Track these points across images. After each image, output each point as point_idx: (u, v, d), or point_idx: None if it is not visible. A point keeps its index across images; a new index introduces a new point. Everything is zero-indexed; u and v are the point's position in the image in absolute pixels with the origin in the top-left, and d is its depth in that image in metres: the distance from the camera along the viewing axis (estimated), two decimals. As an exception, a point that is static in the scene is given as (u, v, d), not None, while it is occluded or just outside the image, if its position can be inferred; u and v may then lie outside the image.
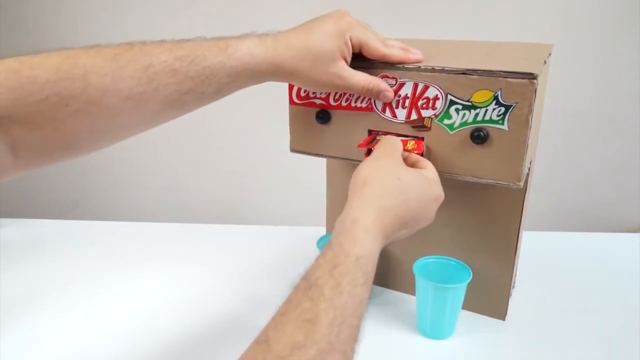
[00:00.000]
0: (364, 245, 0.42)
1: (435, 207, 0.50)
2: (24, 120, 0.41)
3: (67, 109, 0.42)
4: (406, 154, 0.54)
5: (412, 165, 0.53)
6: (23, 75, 0.41)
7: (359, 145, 0.58)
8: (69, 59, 0.43)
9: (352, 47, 0.53)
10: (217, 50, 0.48)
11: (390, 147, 0.52)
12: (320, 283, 0.38)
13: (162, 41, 0.47)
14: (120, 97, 0.44)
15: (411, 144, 0.56)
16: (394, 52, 0.55)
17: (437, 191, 0.50)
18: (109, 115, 0.45)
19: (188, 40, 0.48)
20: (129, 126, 0.48)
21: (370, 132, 0.59)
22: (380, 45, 0.54)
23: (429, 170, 0.51)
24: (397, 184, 0.46)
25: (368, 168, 0.48)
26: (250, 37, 0.50)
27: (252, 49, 0.49)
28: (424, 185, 0.49)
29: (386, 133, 0.58)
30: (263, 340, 0.36)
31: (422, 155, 0.56)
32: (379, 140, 0.57)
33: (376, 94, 0.56)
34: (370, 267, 0.42)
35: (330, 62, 0.51)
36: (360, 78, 0.54)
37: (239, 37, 0.50)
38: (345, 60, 0.53)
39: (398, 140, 0.54)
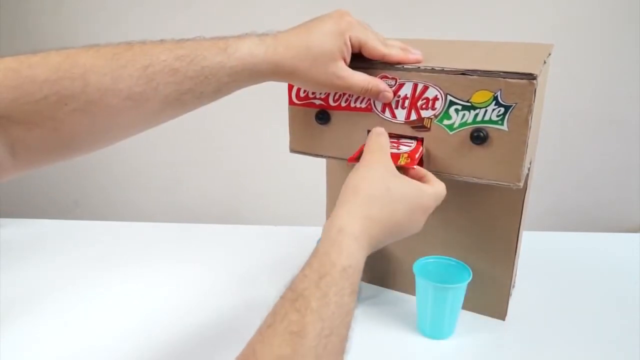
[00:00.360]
0: (350, 255, 0.41)
1: (423, 218, 0.49)
2: (23, 119, 0.41)
3: (66, 109, 0.42)
4: (419, 169, 0.53)
5: (418, 179, 0.52)
6: (22, 74, 0.41)
7: (350, 160, 0.57)
8: (68, 58, 0.43)
9: (352, 47, 0.53)
10: (216, 50, 0.48)
11: (379, 152, 0.51)
12: (307, 294, 0.38)
13: (162, 41, 0.47)
14: (119, 97, 0.44)
15: (404, 158, 0.54)
16: (393, 52, 0.55)
17: (427, 203, 0.49)
18: (108, 114, 0.44)
19: (187, 40, 0.48)
20: (129, 126, 0.47)
21: (369, 133, 0.59)
22: (380, 45, 0.54)
23: (431, 185, 0.50)
24: (386, 194, 0.46)
25: (358, 175, 0.48)
26: (250, 37, 0.50)
27: (252, 49, 0.49)
28: (414, 195, 0.48)
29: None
30: (250, 354, 0.36)
31: (421, 160, 0.56)
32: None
33: (375, 95, 0.56)
34: (356, 276, 0.42)
35: (330, 62, 0.51)
36: (360, 78, 0.54)
37: (239, 37, 0.50)
38: (345, 61, 0.53)
39: (386, 139, 0.53)
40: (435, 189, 0.50)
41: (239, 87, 0.51)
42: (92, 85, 0.43)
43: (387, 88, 0.56)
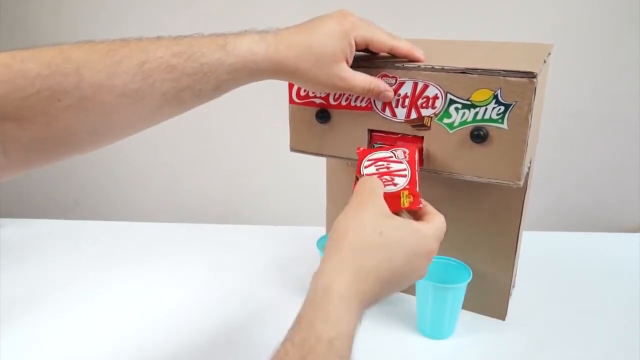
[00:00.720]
0: (337, 322, 0.36)
1: (426, 262, 0.44)
2: (15, 115, 0.40)
3: (59, 104, 0.41)
4: (427, 206, 0.48)
5: (419, 218, 0.47)
6: (13, 69, 0.40)
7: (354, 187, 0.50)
8: (61, 53, 0.42)
9: (358, 46, 0.52)
10: (215, 46, 0.47)
11: (369, 192, 0.46)
12: None
13: (159, 37, 0.46)
14: (114, 93, 0.43)
15: (405, 197, 0.48)
16: (401, 44, 0.54)
17: (429, 245, 0.44)
18: (103, 111, 0.43)
19: (185, 36, 0.47)
20: (125, 124, 0.46)
21: (370, 131, 0.59)
22: (388, 38, 0.54)
23: (429, 224, 0.45)
24: (379, 240, 0.41)
25: (346, 219, 0.43)
26: (250, 34, 0.49)
27: (252, 46, 0.48)
28: (412, 238, 0.43)
29: (386, 134, 0.59)
30: None
31: (421, 161, 0.56)
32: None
33: (376, 95, 0.55)
34: (347, 347, 0.36)
35: (333, 64, 0.51)
36: (361, 79, 0.53)
37: (238, 34, 0.49)
38: (347, 62, 0.52)
39: (377, 182, 0.48)
40: (434, 226, 0.45)
41: (238, 84, 0.50)
42: (86, 81, 0.41)
43: (388, 87, 0.55)
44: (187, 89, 0.46)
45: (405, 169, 0.51)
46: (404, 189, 0.49)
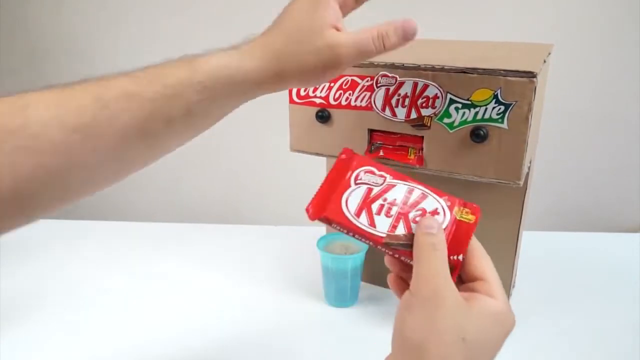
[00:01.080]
0: None
1: (505, 338, 0.37)
2: None
3: (5, 146, 0.35)
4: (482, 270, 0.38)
5: (471, 279, 0.38)
6: None
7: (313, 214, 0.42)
8: (20, 98, 0.37)
9: (346, 4, 0.46)
10: (180, 66, 0.41)
11: (438, 278, 0.35)
12: None
13: (123, 71, 0.41)
14: (65, 130, 0.36)
15: (460, 212, 0.38)
16: None
17: (509, 322, 0.37)
18: (54, 152, 0.36)
19: (155, 64, 0.42)
20: (87, 169, 0.39)
21: (370, 131, 0.60)
22: None
23: (497, 297, 0.37)
24: (462, 351, 0.34)
25: (419, 324, 0.34)
26: (222, 49, 0.44)
27: (224, 59, 0.42)
28: (494, 329, 0.36)
29: (387, 134, 0.58)
30: None
31: (422, 160, 0.56)
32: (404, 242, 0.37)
33: (399, 32, 0.46)
34: None
35: (315, 37, 0.43)
36: (362, 34, 0.44)
37: (209, 51, 0.43)
38: (337, 28, 0.44)
39: (437, 253, 0.36)
40: (502, 292, 0.37)
41: (220, 106, 0.44)
42: (33, 118, 0.36)
43: (405, 18, 0.47)
44: (151, 117, 0.40)
45: (412, 189, 0.39)
46: (449, 207, 0.39)
